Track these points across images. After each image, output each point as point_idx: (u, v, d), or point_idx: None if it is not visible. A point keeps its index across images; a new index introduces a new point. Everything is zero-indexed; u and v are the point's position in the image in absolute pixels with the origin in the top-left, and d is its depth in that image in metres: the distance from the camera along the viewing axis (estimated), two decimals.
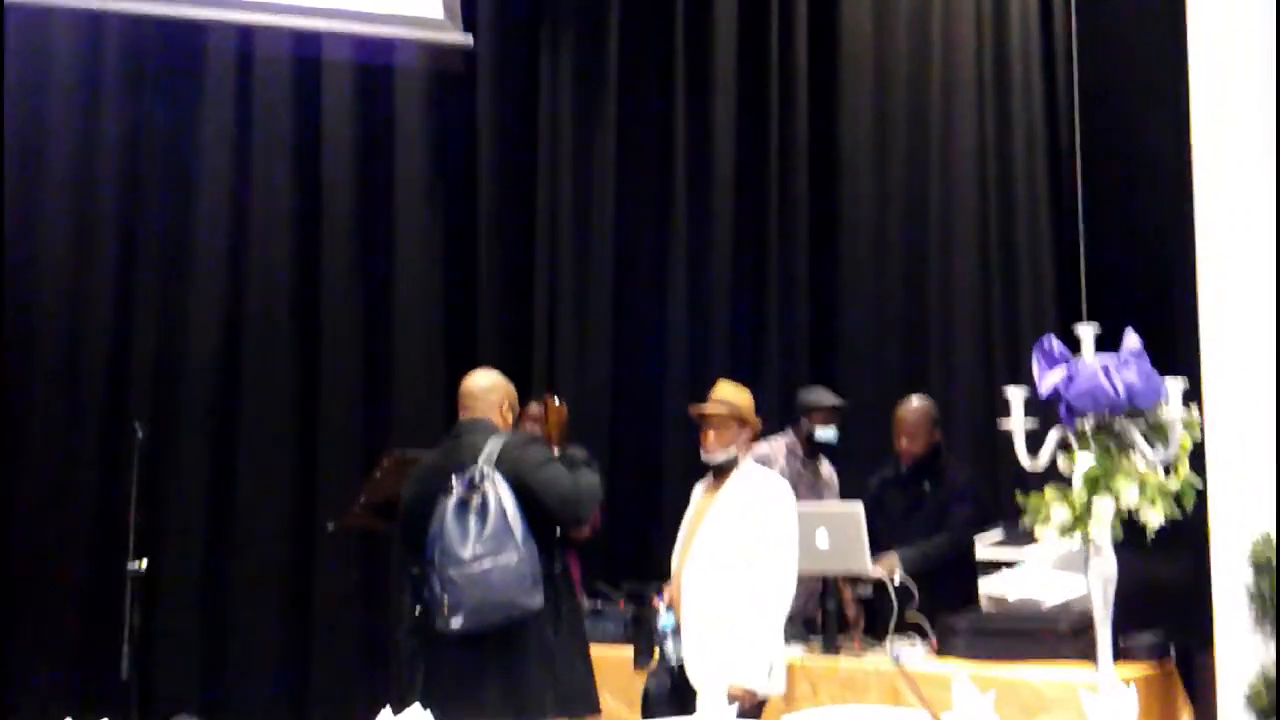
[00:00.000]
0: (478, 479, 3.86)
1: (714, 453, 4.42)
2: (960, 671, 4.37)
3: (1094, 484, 2.97)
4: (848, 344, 6.96)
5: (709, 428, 4.43)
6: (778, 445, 5.57)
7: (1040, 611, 4.73)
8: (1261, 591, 4.29)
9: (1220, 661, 4.33)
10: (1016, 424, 3.15)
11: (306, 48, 6.60)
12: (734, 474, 4.43)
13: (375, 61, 6.70)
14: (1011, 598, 4.95)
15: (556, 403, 6.03)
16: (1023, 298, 6.78)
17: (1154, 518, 3.03)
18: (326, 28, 6.43)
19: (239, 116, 6.58)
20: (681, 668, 4.28)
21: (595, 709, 4.12)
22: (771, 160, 7.10)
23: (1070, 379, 3.03)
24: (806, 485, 5.47)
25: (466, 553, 3.76)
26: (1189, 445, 3.11)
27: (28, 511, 6.02)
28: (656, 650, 4.30)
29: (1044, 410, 3.25)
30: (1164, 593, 4.85)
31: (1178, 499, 3.08)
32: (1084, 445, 3.04)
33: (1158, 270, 4.86)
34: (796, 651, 4.84)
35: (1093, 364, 3.04)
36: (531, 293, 6.95)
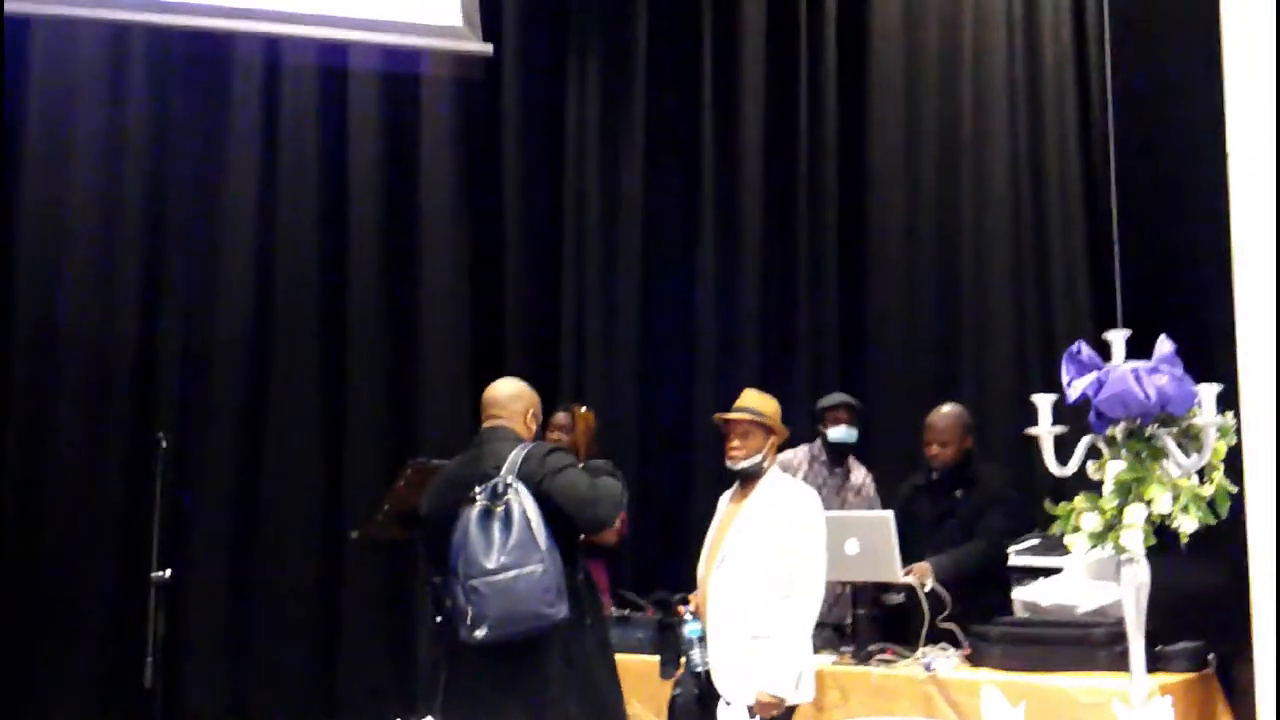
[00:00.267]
0: (501, 488, 3.84)
1: (738, 460, 4.39)
2: (990, 681, 4.37)
3: (1125, 491, 2.94)
4: (879, 352, 6.89)
5: (733, 435, 4.41)
6: (801, 453, 5.55)
7: (1075, 619, 4.67)
8: None
9: (1259, 669, 4.26)
10: (1044, 431, 3.11)
11: (332, 57, 6.64)
12: (761, 482, 4.40)
13: (401, 70, 6.71)
14: (1045, 603, 4.91)
15: (584, 411, 6.06)
16: (1057, 304, 6.68)
17: (1187, 524, 2.99)
18: (344, 37, 6.46)
19: (265, 126, 6.63)
20: (708, 676, 4.25)
21: None
22: (800, 167, 7.06)
23: (1100, 385, 2.99)
24: (831, 491, 5.45)
25: (491, 563, 3.74)
26: (1224, 451, 3.07)
27: (54, 520, 6.06)
28: (683, 659, 4.26)
29: (1076, 417, 3.21)
30: (1202, 600, 4.79)
31: (1212, 505, 3.04)
32: (1114, 452, 3.00)
33: (1194, 276, 4.81)
34: (827, 659, 4.81)
35: (1123, 370, 3.00)
36: (559, 300, 6.96)
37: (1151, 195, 5.49)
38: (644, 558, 6.28)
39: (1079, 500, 3.06)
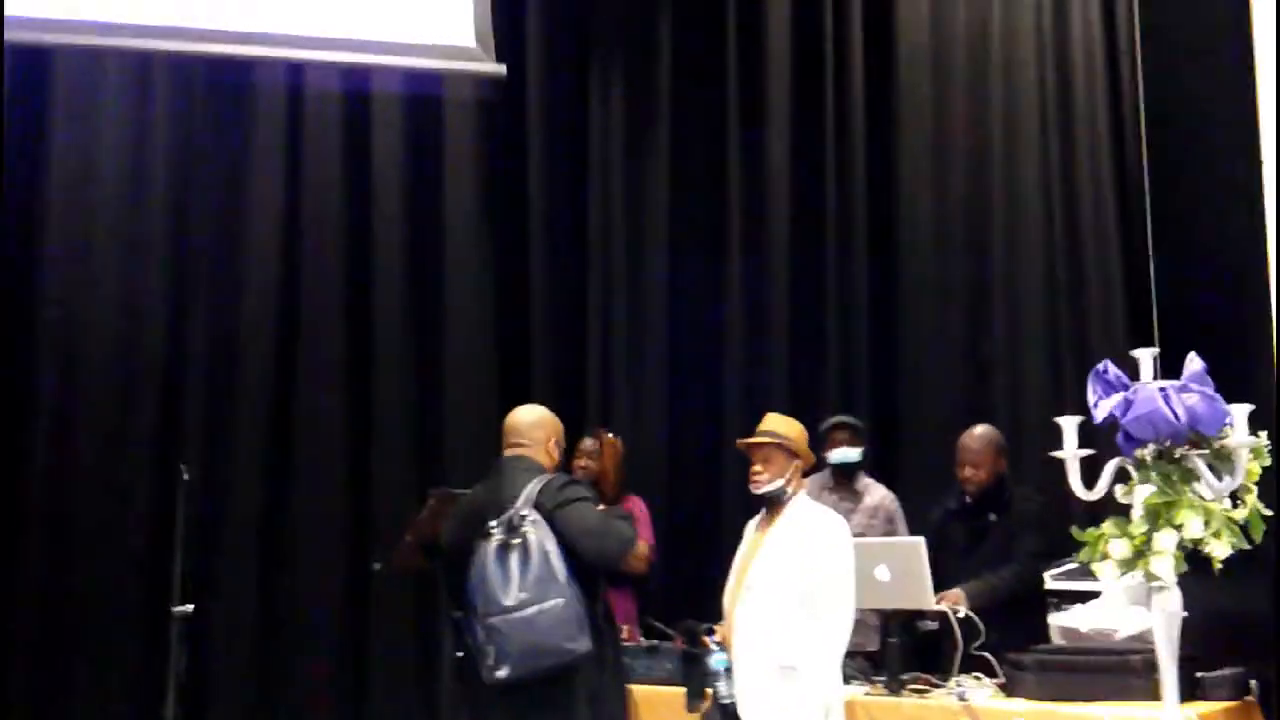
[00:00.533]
0: (517, 521, 3.79)
1: (761, 485, 4.32)
2: (1023, 713, 4.29)
3: (1154, 516, 2.86)
4: (910, 374, 6.81)
5: (755, 460, 4.35)
6: (810, 484, 5.45)
7: (1113, 645, 4.58)
8: None
9: None
10: (1070, 454, 3.04)
11: (354, 82, 6.65)
12: (786, 508, 4.33)
13: (423, 93, 6.71)
14: (1083, 629, 4.82)
15: (611, 437, 6.02)
16: (1092, 323, 6.60)
17: (1220, 550, 2.91)
18: (357, 61, 6.47)
19: (288, 151, 6.65)
20: (735, 708, 4.17)
21: None
22: (828, 189, 7.00)
23: (1128, 405, 2.92)
24: (843, 515, 5.36)
25: (510, 599, 3.69)
26: (1257, 473, 2.99)
27: (77, 553, 6.05)
28: (709, 690, 4.19)
29: (1108, 439, 3.14)
30: (1243, 624, 4.69)
31: (1245, 529, 2.95)
32: (1144, 475, 2.92)
33: (1231, 294, 4.73)
34: (858, 689, 4.73)
35: (1151, 389, 2.92)
36: (585, 325, 6.93)
37: (1187, 209, 5.42)
38: (673, 585, 6.21)
39: (1106, 526, 2.99)
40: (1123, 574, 2.93)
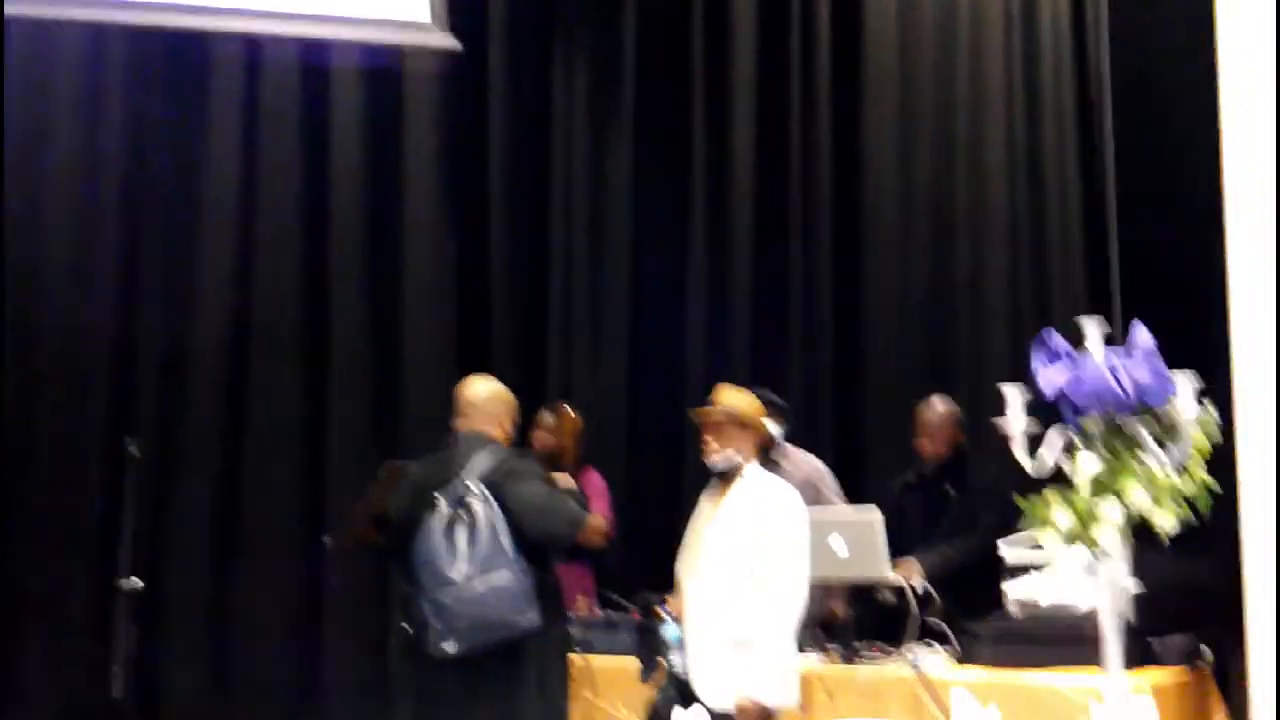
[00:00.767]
0: (465, 495, 3.78)
1: (713, 458, 4.31)
2: (980, 681, 4.31)
3: (1099, 487, 2.86)
4: (873, 346, 6.80)
5: (707, 432, 4.33)
6: None
7: (1069, 615, 4.60)
8: None
9: (1253, 663, 4.19)
10: (1014, 424, 3.04)
11: (313, 55, 6.58)
12: (739, 480, 4.31)
13: (382, 66, 6.65)
14: (1036, 598, 4.84)
15: (570, 412, 5.99)
16: (1055, 297, 6.60)
17: (1165, 522, 2.91)
18: (306, 33, 6.41)
19: (245, 124, 6.58)
20: (688, 679, 4.17)
21: None
22: (793, 161, 6.95)
23: (1075, 377, 2.91)
24: None
25: (456, 574, 3.70)
26: (1204, 445, 2.98)
27: (28, 528, 6.00)
28: (662, 662, 4.19)
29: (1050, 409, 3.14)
30: (1197, 595, 4.73)
31: (1192, 503, 2.96)
32: (1089, 446, 2.92)
33: (1192, 266, 4.76)
34: (813, 660, 4.74)
35: (1099, 361, 2.92)
36: (546, 300, 6.89)
37: (1149, 187, 5.45)
38: (632, 559, 6.19)
39: (1050, 495, 2.99)
40: (1067, 545, 2.92)
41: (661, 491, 6.62)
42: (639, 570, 6.15)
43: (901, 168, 6.86)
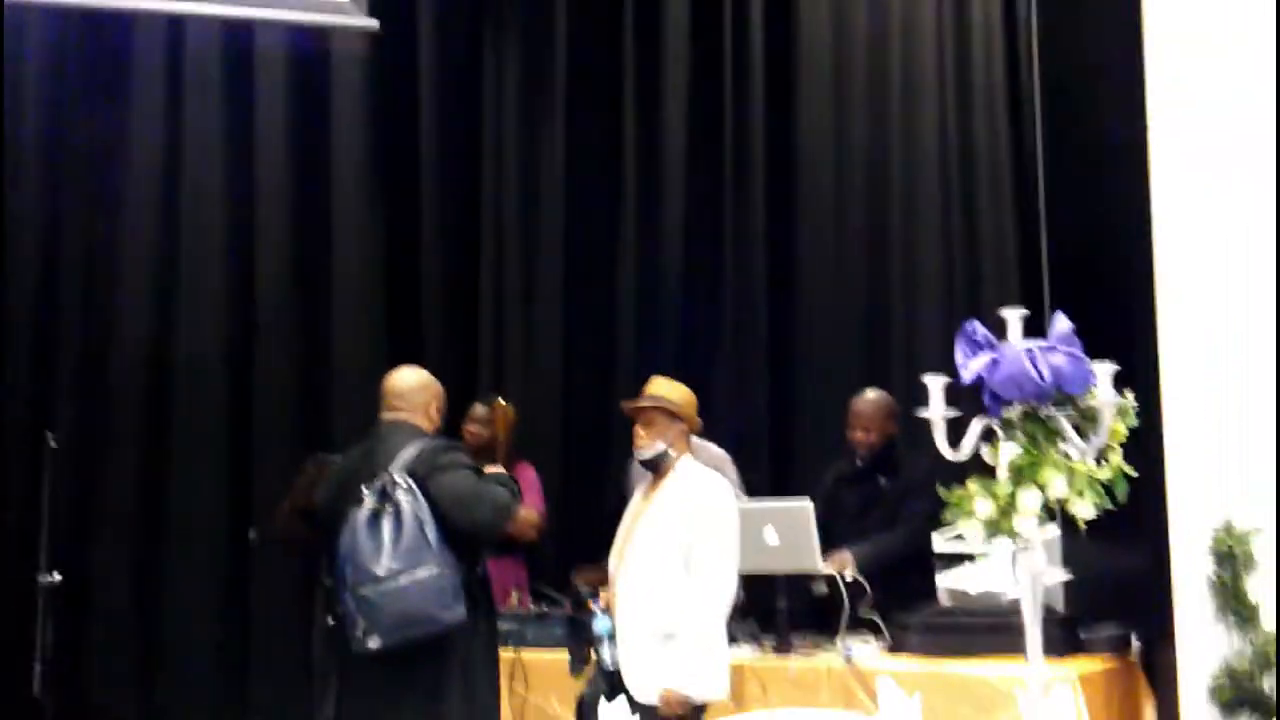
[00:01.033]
0: (389, 488, 3.78)
1: (642, 449, 4.36)
2: (910, 670, 4.40)
3: (1019, 475, 2.94)
4: (807, 335, 6.86)
5: (639, 424, 4.38)
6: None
7: (999, 605, 4.70)
8: (1224, 582, 4.26)
9: (1181, 654, 4.30)
10: (936, 413, 3.12)
11: (236, 37, 6.54)
12: (671, 473, 4.36)
13: (309, 50, 6.63)
14: (973, 591, 4.94)
15: (503, 404, 6.01)
16: (986, 286, 6.68)
17: (1083, 509, 2.99)
18: (228, 13, 6.35)
19: (168, 109, 6.52)
20: (618, 674, 4.22)
21: None
22: (726, 150, 6.97)
23: (995, 365, 2.99)
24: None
25: (381, 569, 3.69)
26: (1122, 432, 3.07)
27: None
28: (592, 655, 4.23)
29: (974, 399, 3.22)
30: (1126, 583, 4.84)
31: (1109, 489, 3.04)
32: (1010, 435, 3.00)
33: (1118, 258, 4.86)
34: (746, 651, 4.81)
35: (1018, 349, 3.00)
36: (477, 290, 6.89)
37: (1079, 173, 5.54)
38: (567, 552, 6.22)
39: (971, 485, 3.06)
40: (988, 534, 3.00)
41: (595, 484, 6.66)
42: (573, 564, 6.20)
43: (835, 154, 6.91)
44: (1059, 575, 4.80)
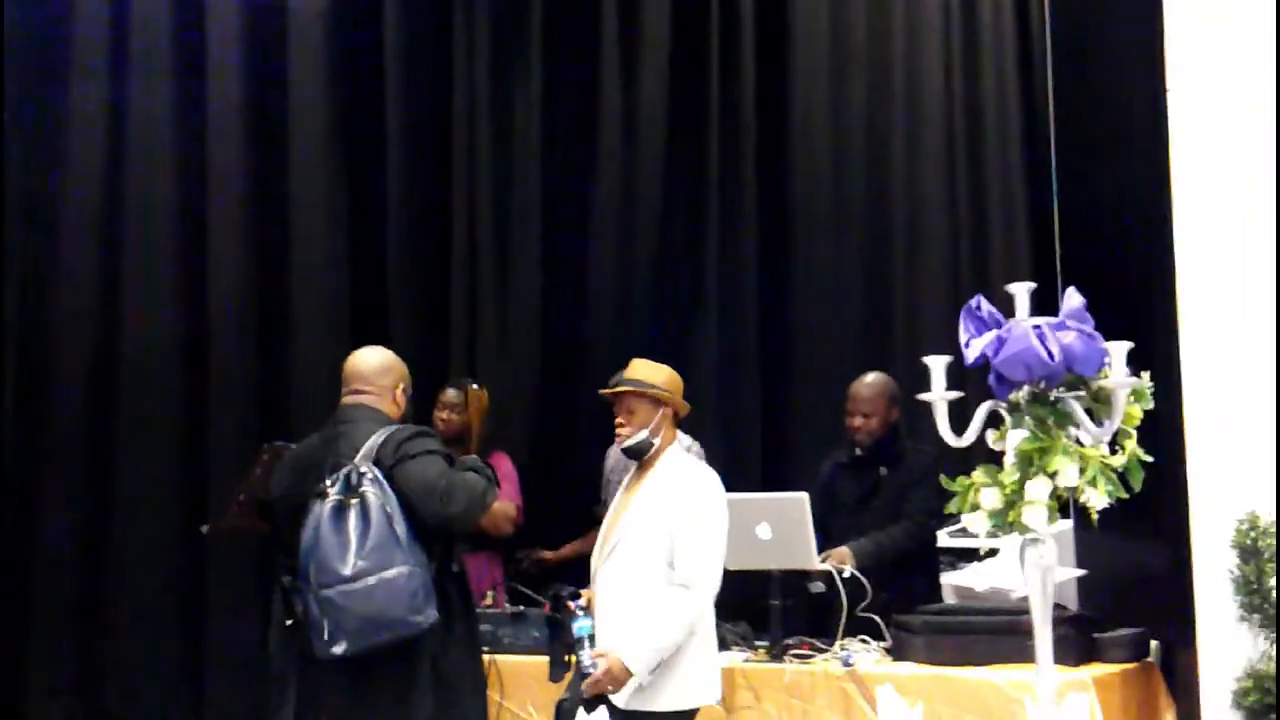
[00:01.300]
0: (355, 479, 3.73)
1: (623, 437, 4.31)
2: (914, 675, 4.39)
3: (1027, 463, 2.91)
4: (802, 320, 6.84)
5: (619, 411, 4.33)
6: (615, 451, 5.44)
7: (1003, 606, 4.69)
8: (1248, 579, 4.24)
9: (1203, 657, 4.29)
10: (938, 396, 3.09)
11: None
12: (657, 463, 4.31)
13: (265, 7, 6.58)
14: (980, 589, 4.93)
15: (476, 388, 6.00)
16: (994, 269, 6.66)
17: (1097, 500, 2.97)
18: None
19: (113, 72, 6.43)
20: None
21: None
22: (713, 121, 6.95)
23: (1001, 344, 2.96)
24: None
25: (347, 569, 3.61)
26: (1138, 416, 3.05)
27: None
28: (573, 658, 4.19)
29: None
30: (1143, 580, 4.83)
31: (1124, 478, 3.02)
32: (1017, 420, 2.97)
33: (1135, 238, 4.84)
34: (738, 655, 4.79)
35: (1025, 327, 2.97)
36: (449, 269, 6.86)
37: (1094, 140, 5.52)
38: (545, 547, 6.21)
39: (977, 474, 3.04)
40: (994, 525, 2.98)
41: (575, 476, 6.64)
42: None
43: (832, 120, 6.88)
44: (1071, 571, 4.79)
